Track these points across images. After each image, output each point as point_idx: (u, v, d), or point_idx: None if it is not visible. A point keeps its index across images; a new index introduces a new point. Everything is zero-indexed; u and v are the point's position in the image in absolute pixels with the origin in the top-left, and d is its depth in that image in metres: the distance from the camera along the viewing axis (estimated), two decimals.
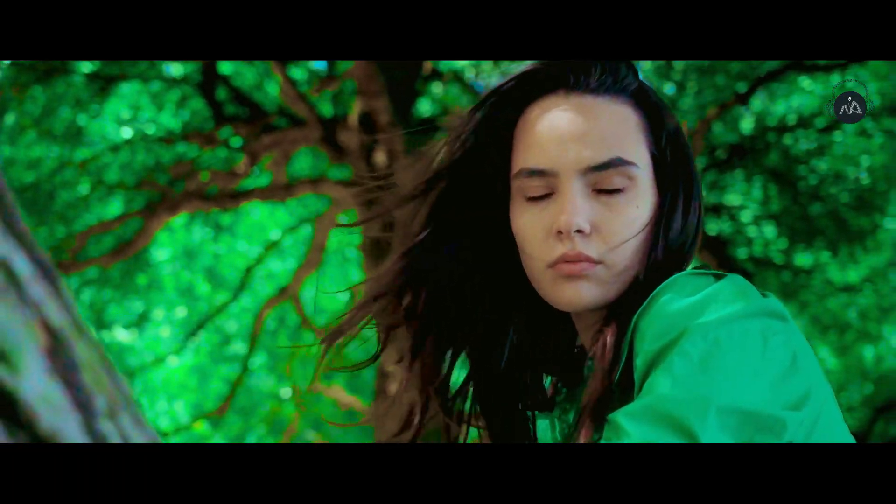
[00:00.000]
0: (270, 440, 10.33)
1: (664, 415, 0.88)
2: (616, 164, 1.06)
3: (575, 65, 1.10)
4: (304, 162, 8.17)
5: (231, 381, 9.22)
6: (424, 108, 7.49)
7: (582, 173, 1.07)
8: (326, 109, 7.35)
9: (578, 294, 1.07)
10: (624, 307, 1.05)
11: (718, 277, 1.00)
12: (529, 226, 1.10)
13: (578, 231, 1.05)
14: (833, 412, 0.98)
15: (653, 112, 1.12)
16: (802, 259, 8.36)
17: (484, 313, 1.20)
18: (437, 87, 7.68)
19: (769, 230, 8.06)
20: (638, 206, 1.08)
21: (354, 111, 6.28)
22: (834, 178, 7.52)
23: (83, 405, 0.53)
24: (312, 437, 10.47)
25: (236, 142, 7.14)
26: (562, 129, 1.08)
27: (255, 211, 9.16)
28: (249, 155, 6.66)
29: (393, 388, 5.31)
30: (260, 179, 7.53)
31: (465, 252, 1.18)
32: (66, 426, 0.51)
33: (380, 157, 6.00)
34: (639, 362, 0.96)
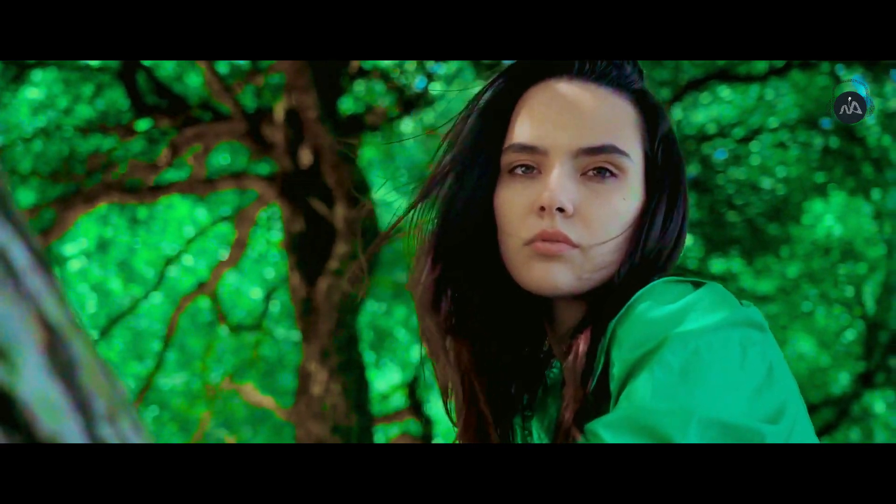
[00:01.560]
0: (179, 439, 10.16)
1: (644, 426, 0.85)
2: (609, 150, 1.05)
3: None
4: (222, 157, 8.06)
5: (142, 378, 9.05)
6: (348, 105, 7.43)
7: (573, 155, 1.05)
8: (249, 103, 7.24)
9: (548, 275, 1.04)
10: (599, 312, 1.02)
11: (697, 285, 0.98)
12: (511, 201, 1.08)
13: (561, 210, 1.03)
14: (805, 424, 0.97)
15: (652, 114, 1.11)
16: (718, 266, 8.52)
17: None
18: (359, 86, 7.63)
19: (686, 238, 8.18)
20: (625, 198, 1.06)
21: (281, 106, 6.18)
22: (750, 188, 7.68)
23: (83, 407, 0.50)
24: (224, 435, 10.34)
25: (156, 133, 6.99)
26: (559, 109, 1.07)
27: (174, 206, 8.99)
28: (171, 147, 6.52)
29: (315, 388, 5.27)
30: (180, 173, 7.38)
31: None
32: (65, 430, 0.48)
33: (305, 154, 5.92)
34: (616, 371, 0.94)
